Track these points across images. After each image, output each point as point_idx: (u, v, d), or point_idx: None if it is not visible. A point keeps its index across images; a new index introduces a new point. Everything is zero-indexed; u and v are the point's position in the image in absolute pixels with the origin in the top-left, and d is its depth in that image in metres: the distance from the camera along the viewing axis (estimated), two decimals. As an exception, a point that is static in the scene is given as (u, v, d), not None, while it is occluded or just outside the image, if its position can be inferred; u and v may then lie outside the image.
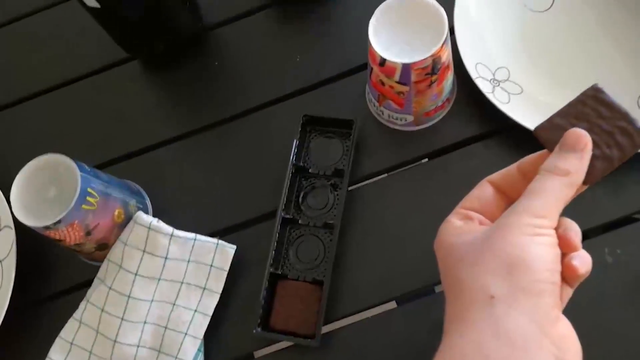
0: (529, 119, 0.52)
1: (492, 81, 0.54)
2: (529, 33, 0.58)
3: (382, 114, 0.56)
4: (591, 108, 0.36)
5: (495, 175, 0.39)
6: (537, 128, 0.37)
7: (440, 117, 0.56)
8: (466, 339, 0.32)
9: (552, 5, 0.58)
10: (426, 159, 0.57)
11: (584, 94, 0.36)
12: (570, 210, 0.36)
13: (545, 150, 0.37)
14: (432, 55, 0.47)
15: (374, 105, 0.57)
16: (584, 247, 0.35)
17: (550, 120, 0.37)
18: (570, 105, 0.36)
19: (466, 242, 0.35)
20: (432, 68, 0.48)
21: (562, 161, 0.34)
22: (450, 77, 0.53)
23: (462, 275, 0.34)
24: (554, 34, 0.57)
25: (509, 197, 0.38)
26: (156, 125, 0.62)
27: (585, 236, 0.50)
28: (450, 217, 0.38)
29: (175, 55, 0.65)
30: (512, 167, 0.38)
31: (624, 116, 0.35)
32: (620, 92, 0.52)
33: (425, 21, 0.48)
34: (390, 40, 0.48)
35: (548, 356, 0.31)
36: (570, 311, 0.35)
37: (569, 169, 0.34)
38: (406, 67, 0.47)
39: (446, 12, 0.48)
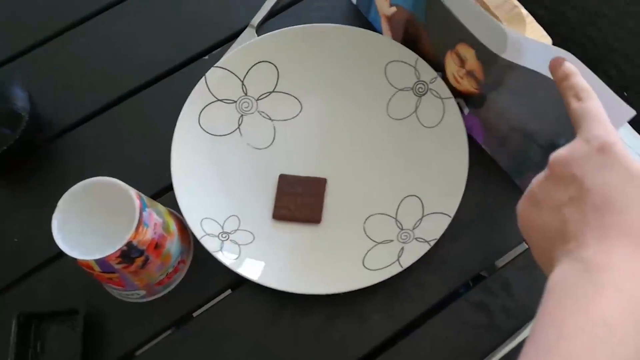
0: (257, 271, 0.50)
1: (221, 235, 0.51)
2: (256, 171, 0.55)
3: (112, 291, 0.51)
4: None
5: None
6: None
7: (180, 279, 0.52)
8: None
9: (273, 141, 0.57)
10: (173, 328, 0.52)
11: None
12: None
13: None
14: (126, 244, 0.42)
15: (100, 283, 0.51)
16: None
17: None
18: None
19: None
20: (136, 252, 0.44)
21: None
22: (172, 243, 0.49)
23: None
24: (277, 168, 0.55)
25: None
26: None
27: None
28: None
29: None
30: None
31: None
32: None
33: (117, 205, 0.44)
34: (82, 230, 0.43)
35: None
36: None
37: None
38: (101, 261, 0.42)
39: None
